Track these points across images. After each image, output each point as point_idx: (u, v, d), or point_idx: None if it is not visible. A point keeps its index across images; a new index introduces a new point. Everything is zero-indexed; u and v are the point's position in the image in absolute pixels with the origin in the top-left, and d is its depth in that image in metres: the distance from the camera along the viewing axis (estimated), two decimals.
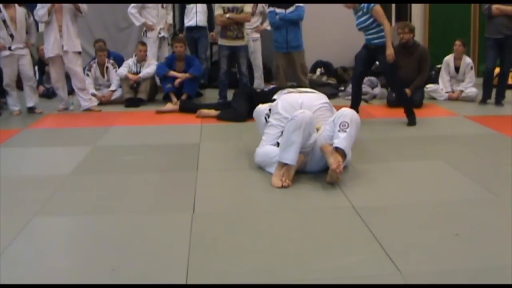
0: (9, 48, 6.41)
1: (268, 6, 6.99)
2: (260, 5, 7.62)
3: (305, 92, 4.43)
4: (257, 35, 7.69)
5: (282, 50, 6.87)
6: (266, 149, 4.04)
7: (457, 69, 7.26)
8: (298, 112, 3.80)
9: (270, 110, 4.27)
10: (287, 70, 6.96)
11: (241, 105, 6.02)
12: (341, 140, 3.72)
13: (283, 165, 3.75)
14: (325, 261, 2.61)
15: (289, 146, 3.71)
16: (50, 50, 6.54)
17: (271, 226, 3.07)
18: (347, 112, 3.85)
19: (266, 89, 6.26)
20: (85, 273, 2.54)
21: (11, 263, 2.62)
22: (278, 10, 6.76)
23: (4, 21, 6.34)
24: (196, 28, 7.75)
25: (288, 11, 6.73)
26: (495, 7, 6.43)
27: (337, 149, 3.70)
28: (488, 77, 6.75)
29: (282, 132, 3.92)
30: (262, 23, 7.78)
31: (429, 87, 7.18)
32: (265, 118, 4.28)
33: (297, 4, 6.76)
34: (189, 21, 7.77)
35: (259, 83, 7.71)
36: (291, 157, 3.71)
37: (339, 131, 3.76)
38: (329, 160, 3.64)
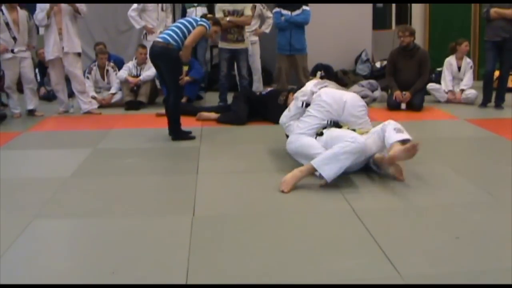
0: (12, 51, 6.43)
1: (274, 7, 7.01)
2: (258, 8, 7.62)
3: (347, 92, 4.45)
4: (256, 38, 7.69)
5: (285, 53, 6.89)
6: (310, 142, 3.99)
7: (459, 68, 7.31)
8: (361, 140, 3.72)
9: (303, 102, 4.27)
10: (289, 72, 6.98)
11: (241, 108, 6.03)
12: (405, 134, 3.80)
13: (312, 169, 3.70)
14: (325, 263, 2.61)
15: (334, 162, 3.61)
16: (50, 52, 6.56)
17: (271, 228, 3.07)
18: (396, 122, 3.93)
19: (264, 92, 6.25)
20: (85, 275, 2.53)
21: (11, 265, 2.62)
22: (284, 12, 6.78)
23: (7, 24, 6.37)
24: None
25: (294, 13, 6.74)
26: (493, 10, 6.46)
27: (404, 141, 3.74)
28: (488, 80, 6.76)
29: (323, 123, 4.03)
30: (260, 26, 7.78)
31: (431, 85, 7.21)
32: (302, 103, 4.26)
33: (303, 8, 6.77)
34: None
35: (257, 86, 7.72)
36: (330, 173, 3.60)
37: (397, 132, 3.81)
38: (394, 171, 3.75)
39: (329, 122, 4.06)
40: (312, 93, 4.28)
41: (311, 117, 4.10)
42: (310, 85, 4.40)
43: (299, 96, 4.34)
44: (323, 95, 4.16)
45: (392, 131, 3.83)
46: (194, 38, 5.00)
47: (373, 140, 3.92)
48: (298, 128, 4.17)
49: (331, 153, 3.65)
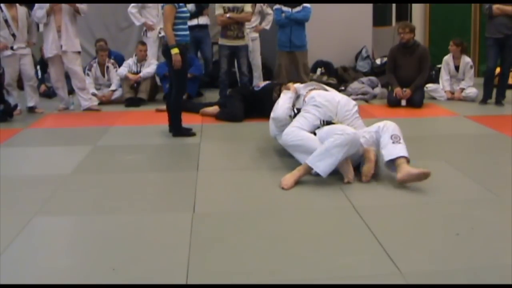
0: (11, 48, 6.42)
1: (275, 4, 7.01)
2: (258, 5, 7.61)
3: (337, 93, 4.41)
4: (256, 35, 7.67)
5: (285, 49, 6.90)
6: (309, 136, 3.93)
7: (456, 68, 7.29)
8: (351, 131, 3.72)
9: (294, 109, 4.25)
10: (290, 69, 6.98)
11: (236, 106, 6.03)
12: (401, 148, 3.71)
13: (308, 168, 3.71)
14: (326, 260, 2.61)
15: (327, 157, 3.63)
16: (48, 50, 6.55)
17: (271, 225, 3.07)
18: (394, 126, 3.87)
19: (257, 88, 6.22)
20: (85, 273, 2.54)
21: (11, 263, 2.62)
22: (284, 8, 6.79)
23: (6, 21, 6.35)
24: (197, 27, 7.72)
25: (295, 10, 6.75)
26: (495, 7, 6.44)
27: (402, 157, 3.68)
28: (489, 77, 6.75)
29: (317, 123, 3.97)
30: (260, 23, 7.77)
31: (429, 86, 7.20)
32: (293, 112, 4.23)
33: (304, 5, 6.77)
34: (190, 21, 7.73)
35: (256, 83, 7.70)
36: (325, 169, 3.63)
37: (393, 143, 3.74)
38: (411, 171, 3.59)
39: (322, 122, 4.01)
40: (302, 96, 4.29)
41: (309, 115, 4.05)
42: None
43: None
44: (317, 97, 4.13)
45: (389, 140, 3.77)
46: (166, 20, 5.04)
47: (365, 141, 3.88)
48: (296, 122, 4.08)
49: (323, 148, 3.67)
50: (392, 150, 3.73)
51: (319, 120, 4.02)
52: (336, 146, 3.62)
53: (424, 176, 3.56)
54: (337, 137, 3.65)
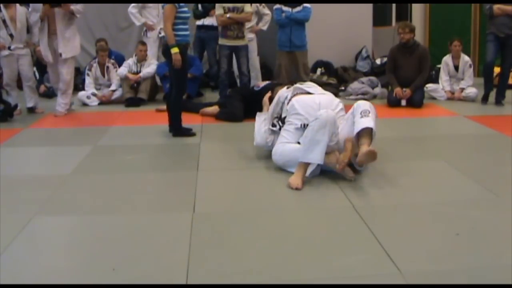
0: (9, 48, 6.41)
1: (275, 3, 7.01)
2: (254, 5, 7.59)
3: (320, 94, 4.36)
4: (252, 35, 7.64)
5: (285, 49, 6.91)
6: (294, 147, 3.94)
7: (456, 68, 7.29)
8: (323, 111, 3.78)
9: (279, 122, 4.25)
10: (290, 69, 6.99)
11: (236, 107, 6.03)
12: (368, 121, 3.72)
13: (305, 165, 3.72)
14: (325, 260, 2.61)
15: (314, 146, 3.67)
16: (43, 54, 6.45)
17: (271, 225, 3.07)
18: (365, 102, 3.91)
19: (257, 88, 6.22)
20: (85, 273, 2.54)
21: (11, 263, 2.62)
22: (284, 8, 6.79)
23: (4, 21, 6.33)
24: (203, 28, 7.71)
25: (295, 10, 6.76)
26: (496, 7, 6.44)
27: (365, 129, 3.70)
28: (488, 71, 6.73)
29: (302, 127, 3.95)
30: (257, 23, 7.76)
31: (429, 86, 7.19)
32: (278, 120, 4.25)
33: (304, 5, 6.78)
34: (197, 21, 7.73)
35: (255, 83, 7.69)
36: (316, 156, 3.66)
37: (361, 117, 3.76)
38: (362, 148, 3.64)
39: (302, 126, 3.97)
40: (287, 98, 4.26)
41: (292, 126, 4.05)
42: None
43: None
44: (296, 104, 4.11)
45: (358, 116, 3.78)
46: (166, 20, 5.07)
47: (345, 128, 3.88)
48: (281, 137, 4.11)
49: (307, 141, 3.72)
50: (358, 123, 3.74)
51: (302, 125, 4.00)
52: (317, 131, 3.66)
53: (372, 154, 3.58)
54: (313, 124, 3.71)
